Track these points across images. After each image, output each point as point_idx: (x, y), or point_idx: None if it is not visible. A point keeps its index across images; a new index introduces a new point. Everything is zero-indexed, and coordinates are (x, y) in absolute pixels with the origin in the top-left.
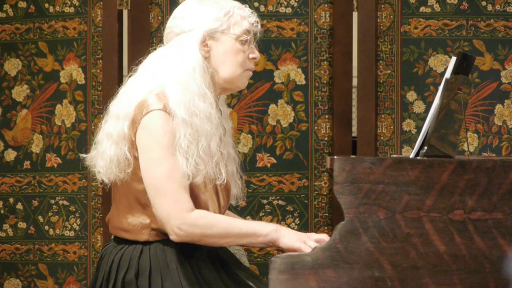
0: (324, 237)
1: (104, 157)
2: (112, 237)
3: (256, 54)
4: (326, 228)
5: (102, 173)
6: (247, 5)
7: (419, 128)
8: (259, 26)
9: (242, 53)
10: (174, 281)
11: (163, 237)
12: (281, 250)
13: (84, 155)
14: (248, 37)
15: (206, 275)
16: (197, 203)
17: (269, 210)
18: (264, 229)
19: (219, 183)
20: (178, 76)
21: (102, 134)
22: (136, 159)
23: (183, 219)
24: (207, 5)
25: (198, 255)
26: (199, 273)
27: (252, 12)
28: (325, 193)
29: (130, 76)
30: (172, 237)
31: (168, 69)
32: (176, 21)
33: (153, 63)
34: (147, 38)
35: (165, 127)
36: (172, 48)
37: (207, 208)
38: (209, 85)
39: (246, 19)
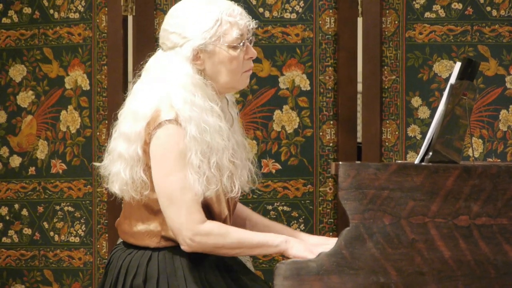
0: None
1: (118, 178)
2: (120, 241)
3: (251, 53)
4: (331, 234)
5: (117, 192)
6: (235, 4)
7: (424, 134)
8: (252, 24)
9: (236, 59)
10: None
11: (172, 244)
12: (287, 257)
13: (97, 164)
14: (240, 43)
15: (213, 283)
16: (211, 215)
17: (274, 216)
18: (274, 241)
19: (233, 195)
20: (180, 92)
21: (115, 150)
22: (151, 173)
23: (196, 230)
24: (194, 13)
25: (205, 263)
26: (206, 281)
27: (241, 13)
28: (330, 199)
29: (134, 83)
30: (184, 247)
31: (169, 85)
32: (166, 34)
33: (154, 76)
34: (152, 44)
35: (178, 138)
36: (168, 63)
37: (220, 220)
38: (212, 97)
39: (236, 24)
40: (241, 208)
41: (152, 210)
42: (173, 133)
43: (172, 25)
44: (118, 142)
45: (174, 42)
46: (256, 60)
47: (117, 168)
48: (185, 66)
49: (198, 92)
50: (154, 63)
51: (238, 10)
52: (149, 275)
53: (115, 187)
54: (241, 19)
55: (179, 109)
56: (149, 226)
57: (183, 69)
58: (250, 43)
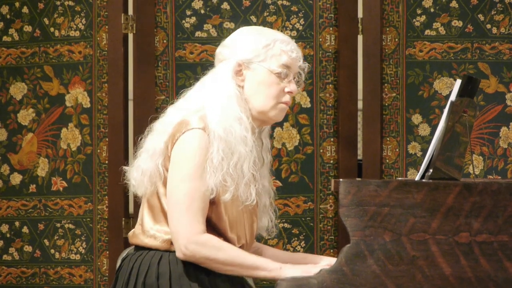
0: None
1: (138, 170)
2: (124, 254)
3: (292, 88)
4: (331, 251)
5: (135, 185)
6: (293, 40)
7: (424, 151)
8: (301, 62)
9: (276, 85)
10: (192, 286)
11: None
12: None
13: (126, 168)
14: (284, 71)
15: (220, 286)
16: (220, 221)
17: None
18: (268, 266)
19: (248, 203)
20: (216, 100)
21: (142, 149)
22: (168, 172)
23: (192, 239)
24: (251, 35)
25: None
26: (215, 284)
27: (295, 48)
28: (330, 216)
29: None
30: (178, 254)
31: (207, 94)
32: (221, 49)
33: (198, 87)
34: (153, 62)
35: (201, 146)
36: (212, 74)
37: (225, 229)
38: (245, 110)
39: (287, 53)
40: (259, 245)
41: (167, 216)
42: (197, 140)
43: (228, 41)
44: (148, 140)
45: (225, 55)
46: None
47: (140, 160)
48: (226, 76)
49: (232, 102)
50: (202, 78)
51: (294, 45)
52: (161, 273)
53: (133, 177)
54: (293, 53)
55: (210, 113)
56: (161, 232)
57: (222, 78)
58: (296, 82)
